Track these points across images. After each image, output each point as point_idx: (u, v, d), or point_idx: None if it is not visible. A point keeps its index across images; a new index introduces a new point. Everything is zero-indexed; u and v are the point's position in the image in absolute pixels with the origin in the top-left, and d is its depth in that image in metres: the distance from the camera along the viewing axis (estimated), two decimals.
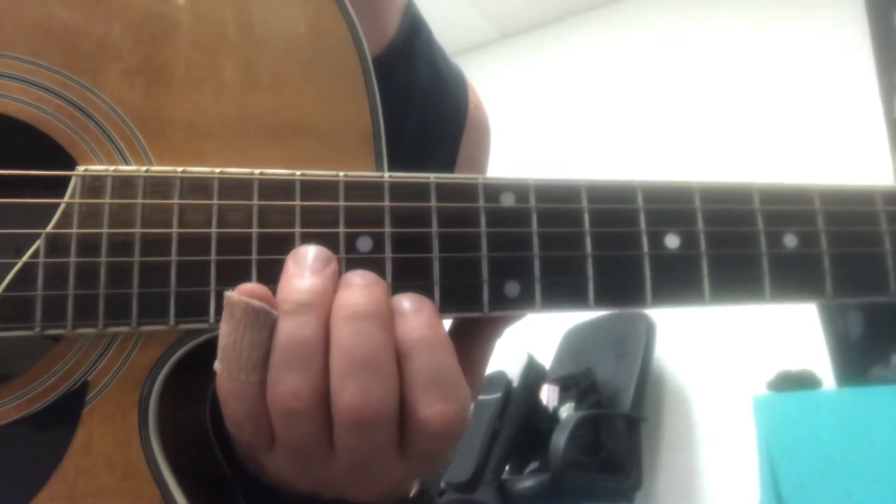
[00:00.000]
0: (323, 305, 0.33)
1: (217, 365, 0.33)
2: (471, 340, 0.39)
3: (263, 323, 0.32)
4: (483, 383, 0.42)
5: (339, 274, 0.34)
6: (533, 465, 2.83)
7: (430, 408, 0.32)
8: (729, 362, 2.97)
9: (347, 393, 0.31)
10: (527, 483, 2.57)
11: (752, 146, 3.08)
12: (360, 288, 0.33)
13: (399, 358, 0.33)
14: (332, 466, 0.34)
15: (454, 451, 0.35)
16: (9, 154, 0.35)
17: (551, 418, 2.79)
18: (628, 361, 2.84)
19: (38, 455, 0.35)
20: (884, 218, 0.40)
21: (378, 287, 0.33)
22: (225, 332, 0.32)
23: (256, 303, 0.32)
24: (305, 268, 0.34)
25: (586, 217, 0.37)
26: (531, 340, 2.86)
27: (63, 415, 0.35)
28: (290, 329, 0.32)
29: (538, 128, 3.68)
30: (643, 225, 0.37)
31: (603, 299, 0.37)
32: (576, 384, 2.85)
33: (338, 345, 0.32)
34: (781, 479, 2.18)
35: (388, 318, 0.33)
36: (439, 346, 0.33)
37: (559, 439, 2.41)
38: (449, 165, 0.63)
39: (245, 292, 0.32)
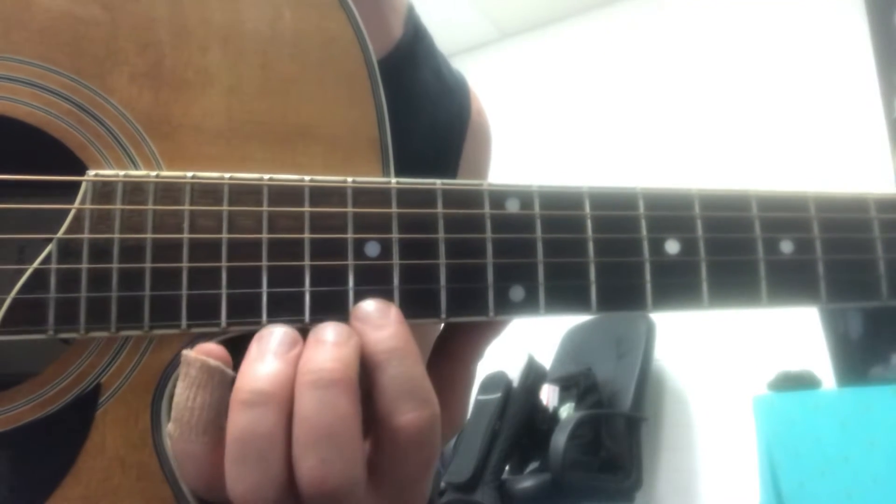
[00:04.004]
0: (283, 394, 0.31)
1: (170, 426, 0.33)
2: (451, 362, 0.39)
3: (218, 382, 0.32)
4: (467, 409, 0.41)
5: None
6: (533, 465, 2.83)
7: (404, 416, 0.32)
8: (729, 362, 2.97)
9: (307, 465, 0.30)
10: (527, 483, 2.57)
11: (752, 146, 3.09)
12: (330, 347, 0.32)
13: (369, 369, 0.33)
14: None
15: (431, 477, 0.34)
16: (18, 158, 0.35)
17: (551, 418, 2.79)
18: (628, 361, 2.84)
19: (52, 457, 0.35)
20: (876, 225, 0.40)
21: (348, 346, 0.32)
22: (179, 391, 0.32)
23: (213, 361, 0.32)
24: (268, 351, 0.32)
25: (589, 223, 0.38)
26: (531, 340, 2.86)
27: (76, 417, 0.35)
28: (247, 423, 0.30)
29: (538, 128, 3.68)
30: (644, 231, 0.38)
31: (605, 303, 0.37)
32: (576, 384, 2.85)
33: (301, 413, 0.31)
34: (781, 479, 2.18)
35: (355, 383, 0.31)
36: (408, 355, 0.33)
37: (559, 439, 2.41)
38: (451, 170, 0.62)
39: (203, 351, 0.32)
